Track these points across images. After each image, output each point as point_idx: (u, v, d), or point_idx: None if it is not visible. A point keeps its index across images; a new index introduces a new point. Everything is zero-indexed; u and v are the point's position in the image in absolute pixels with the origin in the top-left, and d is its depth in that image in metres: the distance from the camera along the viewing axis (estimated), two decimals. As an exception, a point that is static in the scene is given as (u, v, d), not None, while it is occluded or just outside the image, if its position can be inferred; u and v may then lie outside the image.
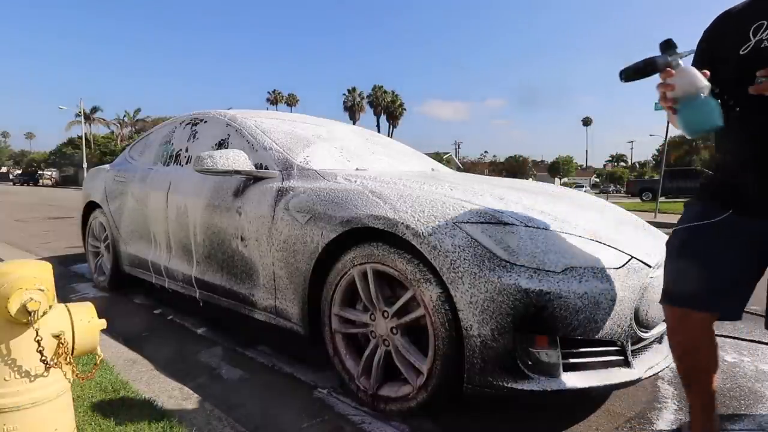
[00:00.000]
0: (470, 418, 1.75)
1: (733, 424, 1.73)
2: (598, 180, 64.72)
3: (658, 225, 2.66)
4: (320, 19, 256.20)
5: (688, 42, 1.22)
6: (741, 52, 1.11)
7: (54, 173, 55.06)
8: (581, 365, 1.51)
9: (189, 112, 3.32)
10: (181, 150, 3.08)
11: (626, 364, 1.56)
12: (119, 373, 1.85)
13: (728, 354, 2.40)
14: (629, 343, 1.57)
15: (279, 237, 2.04)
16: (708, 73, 1.08)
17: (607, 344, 1.54)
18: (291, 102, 63.41)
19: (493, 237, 1.51)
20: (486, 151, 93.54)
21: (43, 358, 1.14)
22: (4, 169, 70.58)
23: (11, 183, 52.58)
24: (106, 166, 4.06)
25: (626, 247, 1.65)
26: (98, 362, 1.30)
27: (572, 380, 1.47)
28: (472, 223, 1.56)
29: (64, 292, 3.43)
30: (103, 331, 1.35)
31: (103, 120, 55.95)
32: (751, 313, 1.16)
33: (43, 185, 48.25)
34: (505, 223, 1.55)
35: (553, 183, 23.00)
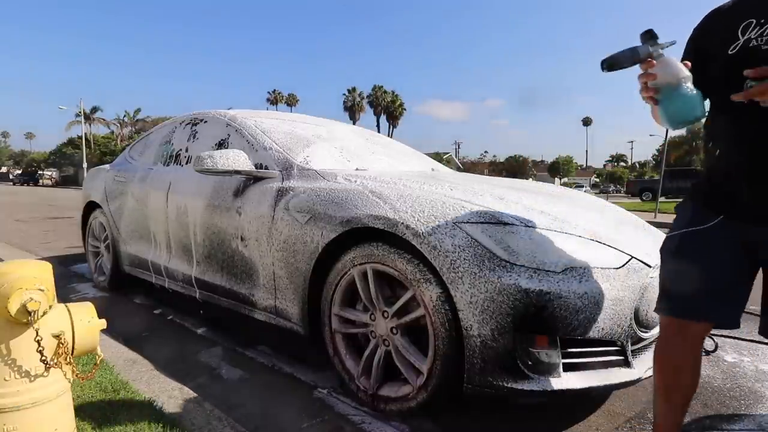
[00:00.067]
0: (470, 418, 1.75)
1: (733, 424, 1.73)
2: (598, 180, 64.72)
3: (658, 225, 2.65)
4: (320, 18, 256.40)
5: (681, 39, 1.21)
6: (729, 52, 1.09)
7: (54, 173, 55.08)
8: (581, 365, 1.51)
9: (189, 112, 3.32)
10: (181, 150, 3.08)
11: (626, 364, 1.56)
12: (119, 373, 1.85)
13: (728, 354, 2.40)
14: (629, 343, 1.57)
15: (279, 237, 2.04)
16: (689, 64, 1.07)
17: (607, 344, 1.54)
18: (291, 102, 63.43)
19: (493, 237, 1.51)
20: (486, 151, 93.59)
21: (43, 358, 1.14)
22: (4, 169, 70.58)
23: (11, 183, 52.58)
24: (106, 166, 4.06)
25: (626, 247, 1.65)
26: (98, 362, 1.30)
27: (572, 380, 1.47)
28: (472, 223, 1.56)
29: (64, 292, 3.43)
30: (103, 331, 1.35)
31: (103, 120, 56.01)
32: (751, 314, 1.14)
33: (43, 185, 48.25)
34: (505, 223, 1.55)
35: (553, 183, 23.01)
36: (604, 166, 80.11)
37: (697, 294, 1.16)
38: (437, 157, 21.47)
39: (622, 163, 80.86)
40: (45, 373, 1.16)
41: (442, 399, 1.60)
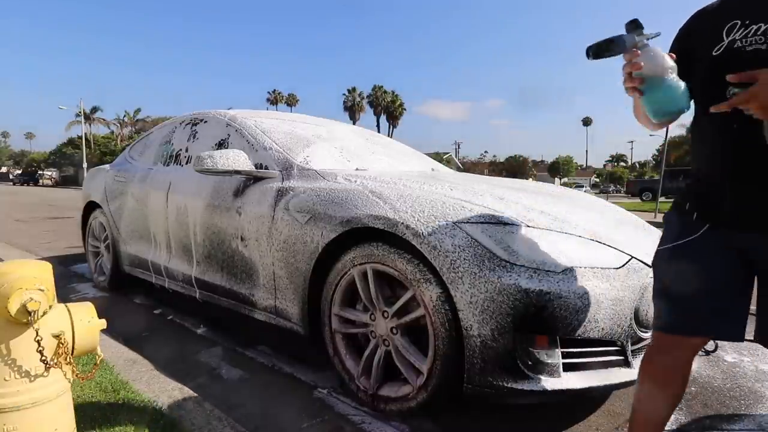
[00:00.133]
0: (470, 418, 1.75)
1: (733, 424, 1.73)
2: (598, 180, 64.68)
3: (658, 225, 2.65)
4: (320, 18, 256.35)
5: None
6: (714, 53, 1.06)
7: (54, 173, 55.08)
8: (581, 365, 1.51)
9: (189, 112, 3.32)
10: (181, 150, 3.08)
11: (626, 364, 1.56)
12: (119, 373, 1.85)
13: (728, 354, 2.40)
14: (629, 343, 1.57)
15: (279, 237, 2.04)
16: (674, 55, 1.04)
17: (607, 344, 1.54)
18: (291, 102, 63.43)
19: (493, 237, 1.51)
20: (486, 151, 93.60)
21: (43, 358, 1.13)
22: (4, 169, 70.58)
23: (11, 183, 52.58)
24: (106, 166, 4.06)
25: (626, 247, 1.65)
26: (98, 362, 1.30)
27: (572, 380, 1.47)
28: (472, 223, 1.56)
29: (64, 292, 3.43)
30: (103, 331, 1.35)
31: (103, 120, 56.04)
32: (751, 314, 1.13)
33: (43, 185, 48.25)
34: (505, 223, 1.55)
35: (553, 183, 23.02)
36: (604, 166, 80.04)
37: (693, 309, 1.11)
38: (437, 157, 21.46)
39: (622, 163, 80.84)
40: (45, 373, 1.16)
41: (442, 399, 1.60)
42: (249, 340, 2.49)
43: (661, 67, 1.02)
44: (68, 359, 1.20)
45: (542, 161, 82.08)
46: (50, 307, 1.17)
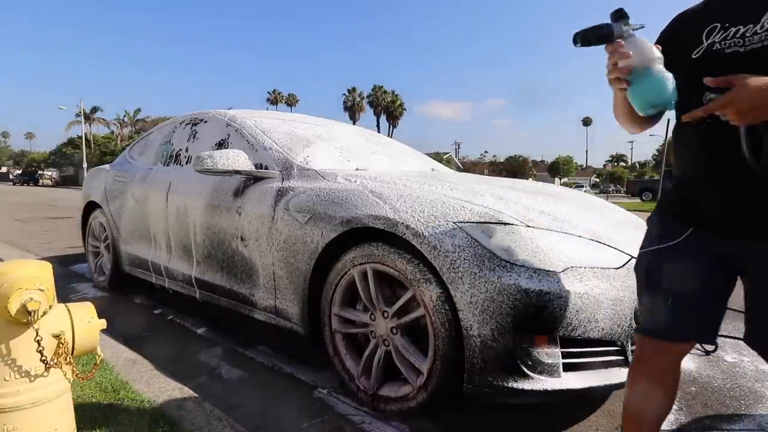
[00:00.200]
0: (470, 418, 1.75)
1: (733, 424, 1.73)
2: (598, 180, 64.74)
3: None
4: (320, 18, 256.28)
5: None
6: (693, 56, 1.05)
7: (54, 173, 55.08)
8: (581, 365, 1.51)
9: (189, 112, 3.32)
10: (181, 150, 3.08)
11: (626, 364, 1.56)
12: (119, 373, 1.85)
13: (728, 354, 2.40)
14: (629, 343, 1.57)
15: (279, 237, 2.04)
16: (660, 46, 1.02)
17: (607, 344, 1.54)
18: (291, 102, 63.46)
19: (493, 237, 1.51)
20: (486, 151, 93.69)
21: (43, 358, 1.14)
22: (4, 169, 70.58)
23: (11, 183, 52.57)
24: (106, 166, 4.06)
25: (626, 247, 1.65)
26: (98, 362, 1.30)
27: (572, 380, 1.47)
28: (472, 223, 1.56)
29: (64, 292, 3.43)
30: (103, 331, 1.35)
31: (103, 120, 56.07)
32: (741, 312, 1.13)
33: (43, 185, 48.25)
34: (505, 223, 1.55)
35: (553, 183, 23.00)
36: (604, 166, 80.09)
37: (674, 314, 1.10)
38: (437, 157, 21.47)
39: (622, 163, 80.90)
40: (45, 373, 1.16)
41: (442, 399, 1.60)
42: (249, 340, 2.49)
43: (648, 57, 0.99)
44: (68, 359, 1.20)
45: (542, 161, 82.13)
46: (50, 307, 1.17)
